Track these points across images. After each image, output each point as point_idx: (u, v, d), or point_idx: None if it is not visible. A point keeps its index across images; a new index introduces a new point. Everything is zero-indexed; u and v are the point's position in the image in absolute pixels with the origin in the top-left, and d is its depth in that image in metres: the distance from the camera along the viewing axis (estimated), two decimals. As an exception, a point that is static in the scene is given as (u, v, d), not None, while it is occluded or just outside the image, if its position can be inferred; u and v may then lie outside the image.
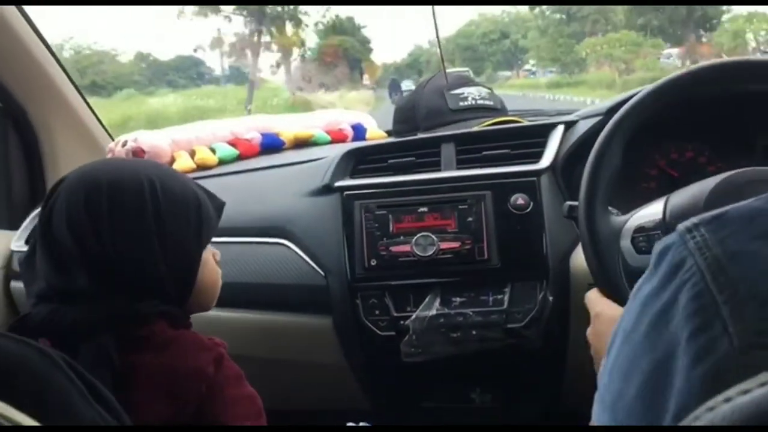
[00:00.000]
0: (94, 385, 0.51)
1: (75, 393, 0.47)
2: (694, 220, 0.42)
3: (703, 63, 1.09)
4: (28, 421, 0.34)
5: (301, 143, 1.71)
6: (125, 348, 0.83)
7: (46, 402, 0.44)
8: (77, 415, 0.46)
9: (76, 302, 0.83)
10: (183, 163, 1.53)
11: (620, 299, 1.00)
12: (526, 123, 1.47)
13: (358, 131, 1.82)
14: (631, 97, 1.14)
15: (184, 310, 0.93)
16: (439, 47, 1.38)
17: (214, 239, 1.37)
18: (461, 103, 1.57)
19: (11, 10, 1.38)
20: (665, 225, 1.03)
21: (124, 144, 1.50)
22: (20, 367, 0.45)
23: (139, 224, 0.85)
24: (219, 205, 1.00)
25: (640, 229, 1.04)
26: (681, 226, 0.43)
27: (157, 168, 0.94)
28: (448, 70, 1.62)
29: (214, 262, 1.00)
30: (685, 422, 0.33)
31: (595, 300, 0.99)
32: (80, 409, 0.47)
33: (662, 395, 0.38)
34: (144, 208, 0.86)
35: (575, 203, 1.09)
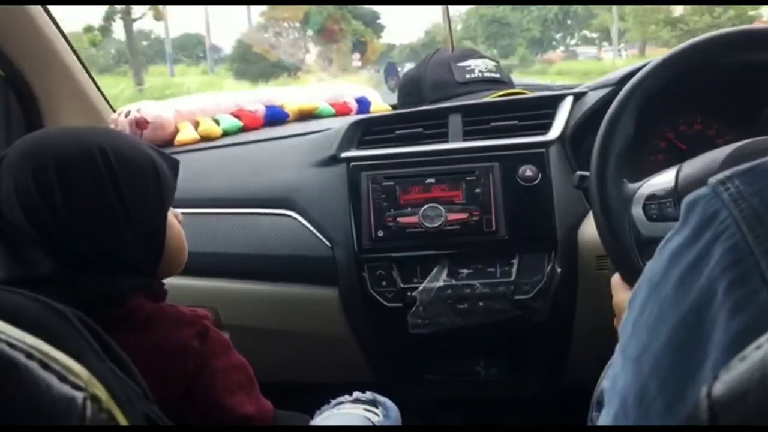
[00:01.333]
0: (108, 344, 0.50)
1: (89, 350, 0.46)
2: (726, 172, 0.41)
3: (712, 32, 1.08)
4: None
5: (306, 115, 1.69)
6: (105, 332, 0.80)
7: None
8: (91, 372, 0.45)
9: (41, 290, 0.77)
10: (186, 134, 1.52)
11: (630, 269, 1.00)
12: (534, 94, 1.46)
13: (363, 105, 1.80)
14: (641, 67, 1.12)
15: (157, 278, 0.90)
16: (448, 19, 1.35)
17: (222, 210, 1.37)
18: (468, 76, 1.56)
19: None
20: (677, 193, 1.02)
21: (128, 114, 1.48)
22: (33, 323, 0.43)
23: (97, 197, 0.80)
24: (174, 164, 0.92)
25: (651, 197, 1.03)
26: (713, 179, 0.42)
27: (106, 134, 0.87)
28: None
29: (178, 223, 0.95)
30: (720, 373, 0.32)
31: (618, 287, 0.98)
32: (94, 366, 0.46)
33: (697, 347, 0.38)
34: (99, 179, 0.80)
35: (586, 173, 1.08)
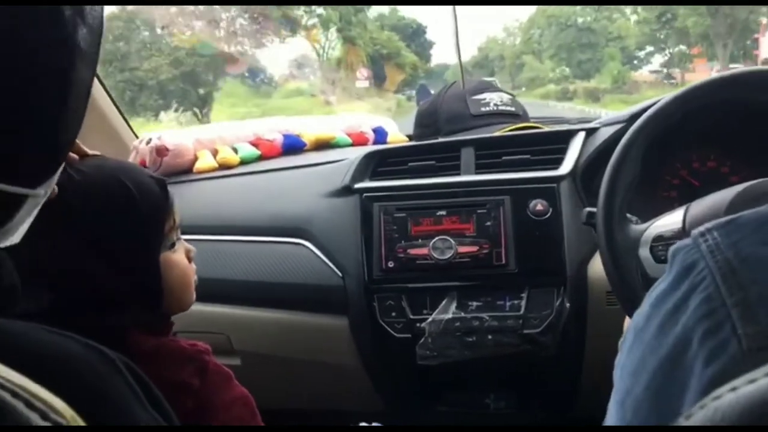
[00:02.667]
0: (150, 390, 0.52)
1: (132, 397, 0.48)
2: (707, 225, 0.43)
3: (724, 72, 1.09)
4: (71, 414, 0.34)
5: (323, 145, 1.72)
6: None
7: (105, 404, 0.44)
8: (133, 418, 0.46)
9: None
10: (205, 162, 1.55)
11: (635, 308, 1.00)
12: (547, 129, 1.47)
13: (380, 135, 1.83)
14: (654, 104, 1.14)
15: (159, 314, 0.87)
16: (458, 50, 1.37)
17: (236, 238, 1.40)
18: (482, 109, 1.58)
19: None
20: (684, 234, 1.02)
21: (149, 141, 1.52)
22: (83, 368, 0.45)
23: (68, 235, 0.77)
24: (155, 201, 0.85)
25: (658, 238, 1.04)
26: (695, 231, 0.43)
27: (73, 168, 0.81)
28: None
29: (187, 261, 0.91)
30: (691, 410, 0.33)
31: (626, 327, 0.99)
32: (136, 412, 0.47)
33: (674, 393, 0.39)
34: (67, 217, 0.77)
35: (594, 209, 1.09)
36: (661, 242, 1.04)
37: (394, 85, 35.25)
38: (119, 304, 0.81)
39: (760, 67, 1.12)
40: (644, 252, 1.05)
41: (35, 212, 0.49)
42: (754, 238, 0.40)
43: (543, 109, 27.89)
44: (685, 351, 0.39)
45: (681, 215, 1.06)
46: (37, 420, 0.31)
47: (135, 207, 0.81)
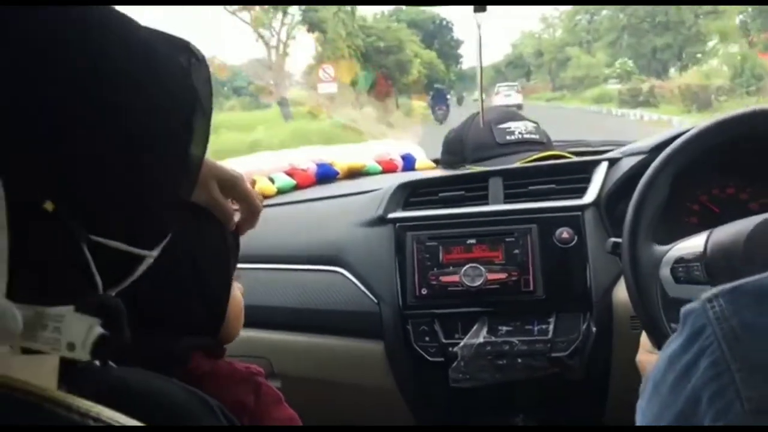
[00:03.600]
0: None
1: None
2: (714, 291, 0.49)
3: (749, 107, 1.15)
4: None
5: (354, 173, 1.79)
6: None
7: None
8: None
9: None
10: (244, 193, 1.63)
11: (655, 328, 1.06)
12: (570, 159, 1.53)
13: (408, 161, 1.90)
14: (676, 136, 1.20)
15: (217, 339, 0.95)
16: (480, 75, 1.42)
17: (276, 266, 1.47)
18: (508, 137, 1.64)
19: None
20: (705, 258, 1.08)
21: (191, 174, 1.60)
22: (186, 414, 0.51)
23: (175, 266, 0.84)
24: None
25: (679, 260, 1.09)
26: (704, 295, 0.49)
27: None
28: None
29: (240, 295, 1.00)
30: None
31: (643, 345, 1.05)
32: None
33: None
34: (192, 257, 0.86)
35: (619, 240, 1.15)
36: (682, 263, 1.10)
37: (385, 92, 27.71)
38: (186, 328, 0.88)
39: None
40: (665, 272, 1.10)
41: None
42: (755, 307, 0.46)
43: (606, 119, 22.76)
44: (696, 409, 0.45)
45: (704, 239, 1.11)
46: None
47: (227, 241, 0.91)
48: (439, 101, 25.39)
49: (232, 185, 0.89)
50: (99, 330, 0.41)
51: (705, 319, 0.47)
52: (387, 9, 40.08)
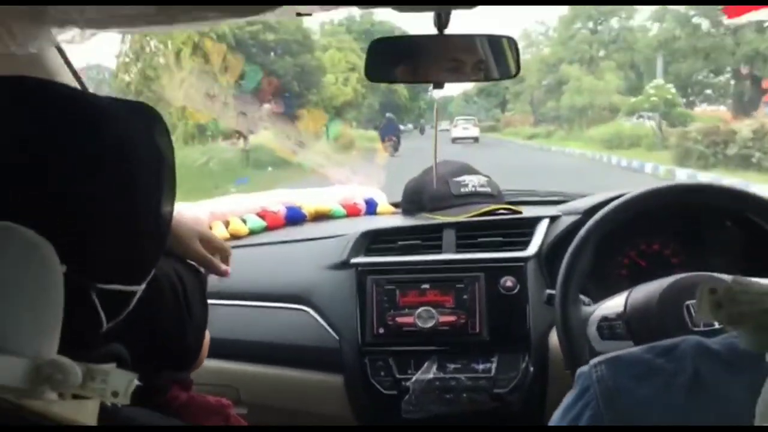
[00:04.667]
0: None
1: None
2: (599, 358, 0.66)
3: (662, 184, 1.34)
4: None
5: (321, 216, 1.94)
6: None
7: None
8: None
9: None
10: (217, 233, 1.76)
11: None
12: (516, 216, 1.69)
13: (370, 206, 2.04)
14: (608, 200, 1.38)
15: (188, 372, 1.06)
16: (435, 144, 1.58)
17: (246, 303, 1.60)
18: (462, 189, 1.80)
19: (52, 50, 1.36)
20: (625, 316, 1.26)
21: (169, 214, 1.73)
22: None
23: (178, 312, 0.96)
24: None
25: (604, 319, 1.27)
26: (592, 361, 0.66)
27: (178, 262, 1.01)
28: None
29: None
30: None
31: None
32: None
33: None
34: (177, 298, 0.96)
35: (553, 292, 1.32)
36: (606, 322, 1.27)
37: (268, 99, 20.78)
38: (172, 363, 0.99)
39: (700, 182, 1.38)
40: (591, 330, 1.28)
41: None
42: (625, 373, 0.63)
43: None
44: None
45: (623, 299, 1.29)
46: None
47: (200, 288, 1.03)
48: (389, 131, 22.60)
49: (208, 239, 1.07)
50: (136, 382, 0.55)
51: (590, 381, 0.63)
52: (337, 18, 35.41)
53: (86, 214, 0.59)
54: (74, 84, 1.34)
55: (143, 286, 0.68)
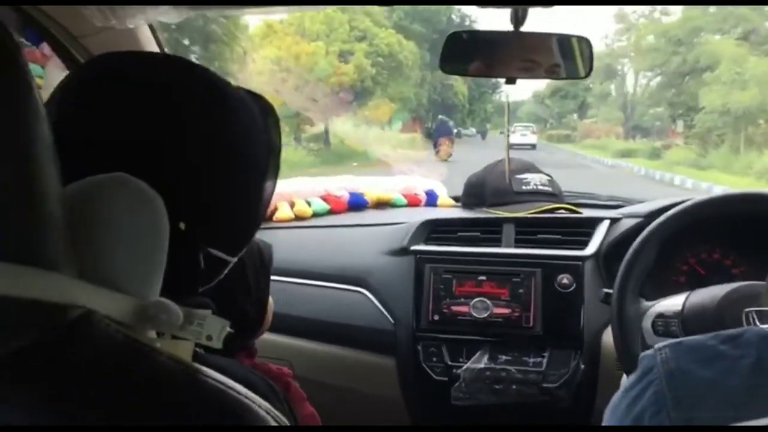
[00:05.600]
0: (290, 404, 0.76)
1: (282, 409, 0.73)
2: (664, 343, 0.68)
3: (727, 192, 1.34)
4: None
5: (383, 203, 1.98)
6: None
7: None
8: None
9: None
10: (283, 212, 1.82)
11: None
12: (577, 215, 1.71)
13: (431, 197, 2.08)
14: (671, 205, 1.38)
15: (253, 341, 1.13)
16: (507, 141, 1.61)
17: (307, 281, 1.66)
18: (524, 187, 1.82)
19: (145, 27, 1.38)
20: (682, 316, 1.26)
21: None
22: (264, 395, 0.69)
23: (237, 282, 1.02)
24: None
25: (660, 315, 1.28)
26: (656, 345, 0.68)
27: None
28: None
29: (271, 301, 1.15)
30: None
31: None
32: (285, 413, 0.72)
33: None
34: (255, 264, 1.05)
35: (610, 291, 1.34)
36: (662, 318, 1.28)
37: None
38: (240, 329, 1.08)
39: (759, 191, 1.37)
40: (646, 324, 1.29)
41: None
42: (689, 356, 0.65)
43: None
44: (641, 422, 0.64)
45: (683, 299, 1.30)
46: (269, 421, 0.56)
47: (264, 266, 1.09)
48: (442, 133, 20.50)
49: None
50: (228, 329, 0.60)
51: (654, 362, 0.66)
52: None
53: (211, 185, 0.66)
54: None
55: (236, 258, 0.74)
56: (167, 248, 0.58)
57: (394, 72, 24.72)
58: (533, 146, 31.05)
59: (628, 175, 18.65)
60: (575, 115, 44.12)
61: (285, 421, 0.59)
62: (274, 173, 0.76)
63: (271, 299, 1.18)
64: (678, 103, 25.94)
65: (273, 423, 0.57)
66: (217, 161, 0.66)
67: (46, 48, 1.35)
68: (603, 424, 0.73)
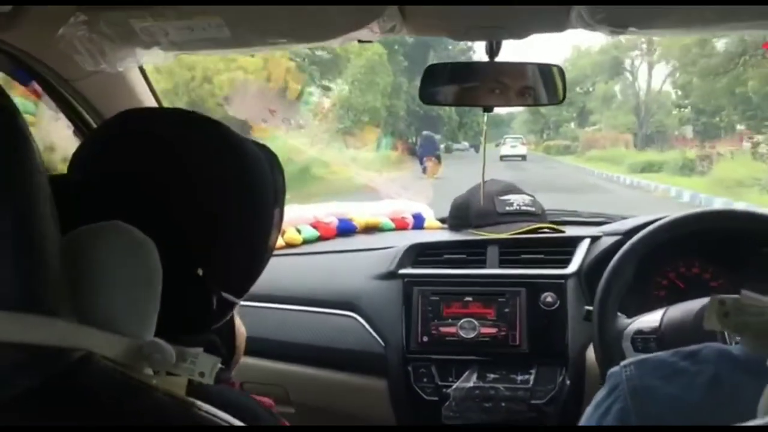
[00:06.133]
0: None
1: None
2: (629, 360, 0.73)
3: (702, 209, 1.40)
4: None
5: (371, 228, 2.03)
6: None
7: None
8: None
9: None
10: (274, 240, 1.86)
11: None
12: (558, 234, 1.76)
13: (418, 220, 2.13)
14: (648, 222, 1.44)
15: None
16: (484, 161, 1.66)
17: (298, 307, 1.70)
18: (507, 208, 1.87)
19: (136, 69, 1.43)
20: (660, 332, 1.31)
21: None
22: (252, 415, 0.73)
23: None
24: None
25: (639, 332, 1.33)
26: (622, 363, 0.73)
27: None
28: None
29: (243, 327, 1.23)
30: None
31: None
32: None
33: None
34: None
35: (591, 308, 1.38)
36: (641, 335, 1.33)
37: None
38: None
39: (732, 208, 1.43)
40: (626, 343, 1.34)
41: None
42: (652, 373, 0.70)
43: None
44: None
45: (660, 315, 1.35)
46: None
47: None
48: (428, 150, 19.28)
49: None
50: (220, 365, 0.64)
51: (620, 379, 0.71)
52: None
53: (227, 232, 0.70)
54: (152, 100, 1.47)
55: (241, 301, 0.78)
56: (161, 290, 0.63)
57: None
58: (523, 157, 31.26)
59: (661, 200, 14.55)
60: (572, 124, 41.31)
61: None
62: (280, 220, 0.80)
63: (242, 327, 1.23)
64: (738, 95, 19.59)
65: None
66: (232, 209, 0.71)
67: (36, 84, 1.40)
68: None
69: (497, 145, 33.99)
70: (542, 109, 40.82)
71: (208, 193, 0.69)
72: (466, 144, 39.46)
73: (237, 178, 0.71)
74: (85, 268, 0.58)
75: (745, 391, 0.65)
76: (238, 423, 0.61)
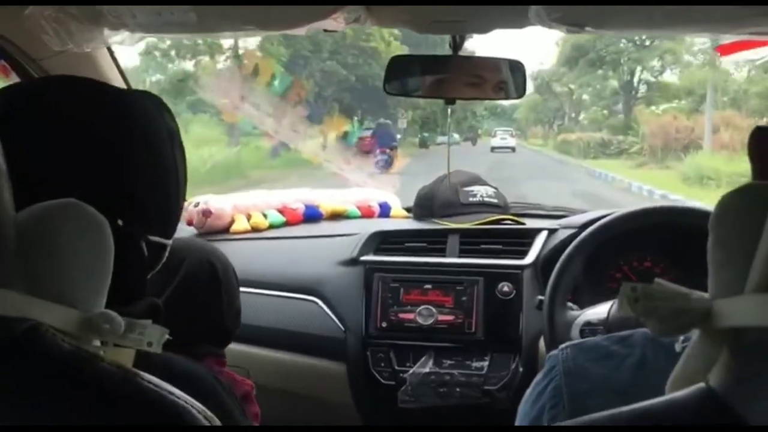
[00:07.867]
0: (234, 397, 0.83)
1: (231, 402, 0.80)
2: (567, 343, 0.77)
3: (650, 205, 1.45)
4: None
5: (337, 215, 2.06)
6: None
7: (222, 407, 0.76)
8: (233, 414, 0.79)
9: None
10: (240, 225, 1.89)
11: None
12: (518, 226, 1.80)
13: (384, 208, 2.16)
14: (600, 217, 1.49)
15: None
16: (449, 152, 1.71)
17: (261, 291, 1.73)
18: (471, 199, 1.91)
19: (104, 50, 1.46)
20: (607, 324, 1.36)
21: (196, 205, 1.86)
22: (211, 385, 0.75)
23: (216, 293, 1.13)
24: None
25: (587, 324, 1.38)
26: (561, 345, 0.77)
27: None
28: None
29: None
30: None
31: None
32: (234, 411, 0.79)
33: None
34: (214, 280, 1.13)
35: (543, 298, 1.43)
36: (589, 327, 1.38)
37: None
38: (220, 339, 1.15)
39: (686, 204, 1.49)
40: (575, 332, 1.39)
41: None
42: (585, 356, 0.74)
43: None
44: (541, 414, 0.73)
45: (608, 307, 1.40)
46: (202, 421, 0.63)
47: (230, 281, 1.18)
48: (384, 141, 16.40)
49: None
50: (167, 336, 0.67)
51: (556, 360, 0.75)
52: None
53: (132, 176, 0.74)
54: (120, 80, 1.48)
55: (171, 241, 0.82)
56: (112, 265, 0.65)
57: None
58: (513, 149, 31.50)
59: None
60: (619, 103, 29.30)
61: (217, 422, 0.66)
62: (181, 155, 0.83)
63: None
64: None
65: (206, 423, 0.63)
66: (131, 153, 0.74)
67: (4, 61, 1.41)
68: (517, 415, 0.82)
69: (492, 137, 34.32)
70: (557, 87, 36.60)
71: (106, 145, 0.72)
72: (456, 136, 38.17)
73: (126, 123, 0.75)
74: (41, 245, 0.60)
75: (666, 372, 0.70)
76: (179, 393, 0.64)
